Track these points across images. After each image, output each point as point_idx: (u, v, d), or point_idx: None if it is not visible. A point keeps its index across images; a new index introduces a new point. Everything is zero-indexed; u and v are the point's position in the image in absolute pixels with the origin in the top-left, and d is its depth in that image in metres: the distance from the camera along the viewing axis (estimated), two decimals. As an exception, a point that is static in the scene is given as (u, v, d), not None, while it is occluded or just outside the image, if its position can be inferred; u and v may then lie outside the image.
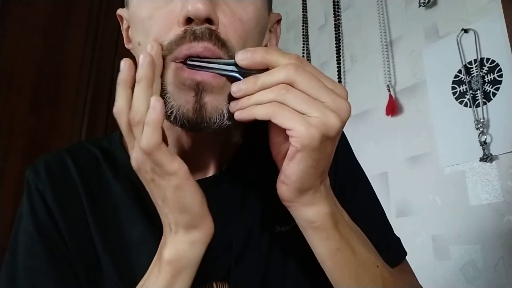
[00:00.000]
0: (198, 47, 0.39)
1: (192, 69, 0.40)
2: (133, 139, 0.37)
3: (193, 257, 0.39)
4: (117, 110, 0.38)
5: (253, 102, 0.37)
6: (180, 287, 0.39)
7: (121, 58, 0.38)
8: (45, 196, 0.47)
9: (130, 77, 0.37)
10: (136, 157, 0.37)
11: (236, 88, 0.38)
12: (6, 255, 0.47)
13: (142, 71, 0.36)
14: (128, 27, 0.50)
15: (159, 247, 0.41)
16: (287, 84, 0.36)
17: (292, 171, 0.38)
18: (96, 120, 1.55)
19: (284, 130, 0.36)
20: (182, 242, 0.39)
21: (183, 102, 0.40)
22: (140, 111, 0.36)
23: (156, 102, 0.35)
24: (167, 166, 0.36)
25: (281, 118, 0.35)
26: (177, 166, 0.36)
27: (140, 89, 0.36)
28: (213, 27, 0.40)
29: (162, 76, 0.40)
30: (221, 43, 0.40)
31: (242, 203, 0.50)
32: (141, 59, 0.37)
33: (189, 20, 0.39)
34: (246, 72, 0.38)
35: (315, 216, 0.40)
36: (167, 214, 0.39)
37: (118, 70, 0.38)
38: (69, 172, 0.50)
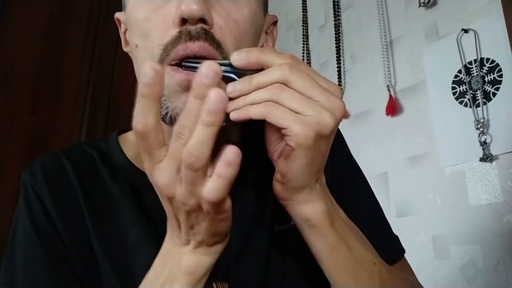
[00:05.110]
0: (194, 46, 0.40)
1: (188, 70, 0.40)
2: (160, 159, 0.33)
3: (210, 264, 0.39)
4: (145, 129, 0.32)
5: (248, 102, 0.37)
6: None
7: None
8: (42, 198, 0.47)
9: (161, 90, 0.33)
10: (175, 191, 0.33)
11: (231, 89, 0.37)
12: (4, 258, 0.47)
13: (216, 117, 0.30)
14: (126, 30, 0.50)
15: (169, 252, 0.39)
16: (282, 83, 0.36)
17: (287, 170, 0.38)
18: (96, 120, 1.55)
19: (279, 129, 0.36)
20: (204, 254, 0.38)
21: (179, 103, 0.40)
22: (204, 157, 0.31)
23: (237, 158, 0.31)
24: (221, 207, 0.33)
25: (275, 117, 0.35)
26: (229, 205, 0.34)
27: (209, 134, 0.31)
28: (207, 27, 0.40)
29: None
30: (216, 44, 0.41)
31: (240, 203, 0.50)
32: (218, 99, 0.30)
33: (183, 21, 0.40)
34: (241, 72, 0.38)
35: (311, 214, 0.40)
36: (196, 235, 0.37)
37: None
38: (66, 173, 0.49)
